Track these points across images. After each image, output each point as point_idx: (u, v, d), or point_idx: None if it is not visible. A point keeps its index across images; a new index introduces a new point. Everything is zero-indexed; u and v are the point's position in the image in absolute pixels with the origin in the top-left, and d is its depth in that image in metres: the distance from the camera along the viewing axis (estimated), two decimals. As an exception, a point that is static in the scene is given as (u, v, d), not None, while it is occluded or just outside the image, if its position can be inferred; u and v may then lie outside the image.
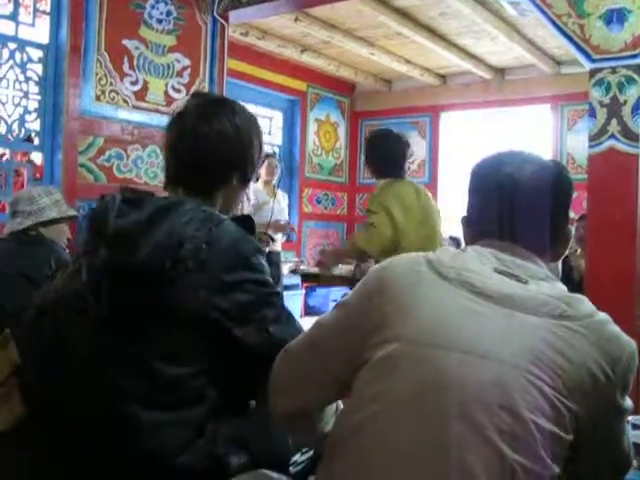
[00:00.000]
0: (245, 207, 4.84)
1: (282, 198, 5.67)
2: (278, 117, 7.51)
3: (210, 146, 1.48)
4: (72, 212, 3.08)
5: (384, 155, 3.51)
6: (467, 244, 1.29)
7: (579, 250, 4.88)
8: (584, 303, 1.12)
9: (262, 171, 5.40)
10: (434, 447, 1.01)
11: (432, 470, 1.00)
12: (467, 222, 1.33)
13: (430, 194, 3.59)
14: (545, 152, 7.17)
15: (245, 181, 1.57)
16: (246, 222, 1.44)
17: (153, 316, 1.31)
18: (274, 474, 1.41)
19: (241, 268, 1.34)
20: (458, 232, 5.03)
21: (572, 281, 4.74)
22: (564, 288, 1.16)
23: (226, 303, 1.31)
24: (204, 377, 1.34)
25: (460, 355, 1.04)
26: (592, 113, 3.22)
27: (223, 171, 1.52)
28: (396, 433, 1.04)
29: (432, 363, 1.05)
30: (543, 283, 1.14)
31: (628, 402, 1.14)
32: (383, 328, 1.12)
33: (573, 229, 4.86)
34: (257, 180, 5.26)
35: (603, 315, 1.12)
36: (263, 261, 1.39)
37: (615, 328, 1.12)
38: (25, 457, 1.42)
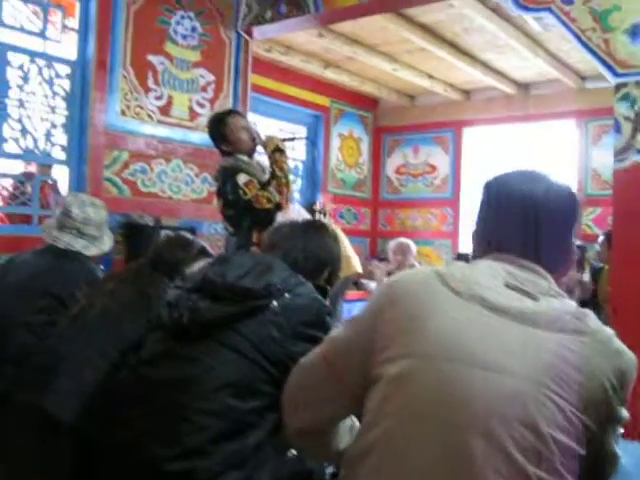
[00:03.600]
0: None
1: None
2: (302, 132, 7.54)
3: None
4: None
5: None
6: (475, 259, 1.27)
7: (606, 266, 4.82)
8: (592, 318, 1.13)
9: None
10: (452, 462, 1.00)
11: None
12: (479, 237, 1.31)
13: None
14: (570, 168, 7.11)
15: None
16: (323, 289, 1.72)
17: (225, 343, 1.45)
18: None
19: (317, 326, 1.53)
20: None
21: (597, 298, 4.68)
22: (573, 304, 1.17)
23: (297, 349, 1.45)
24: (255, 415, 1.42)
25: (477, 370, 1.04)
26: (617, 128, 3.18)
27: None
28: (412, 449, 1.04)
29: (449, 378, 1.05)
30: (553, 300, 1.14)
31: (624, 412, 1.16)
32: (395, 343, 1.12)
33: (597, 245, 4.82)
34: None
35: (609, 330, 1.14)
36: (331, 322, 1.59)
37: (620, 342, 1.14)
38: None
